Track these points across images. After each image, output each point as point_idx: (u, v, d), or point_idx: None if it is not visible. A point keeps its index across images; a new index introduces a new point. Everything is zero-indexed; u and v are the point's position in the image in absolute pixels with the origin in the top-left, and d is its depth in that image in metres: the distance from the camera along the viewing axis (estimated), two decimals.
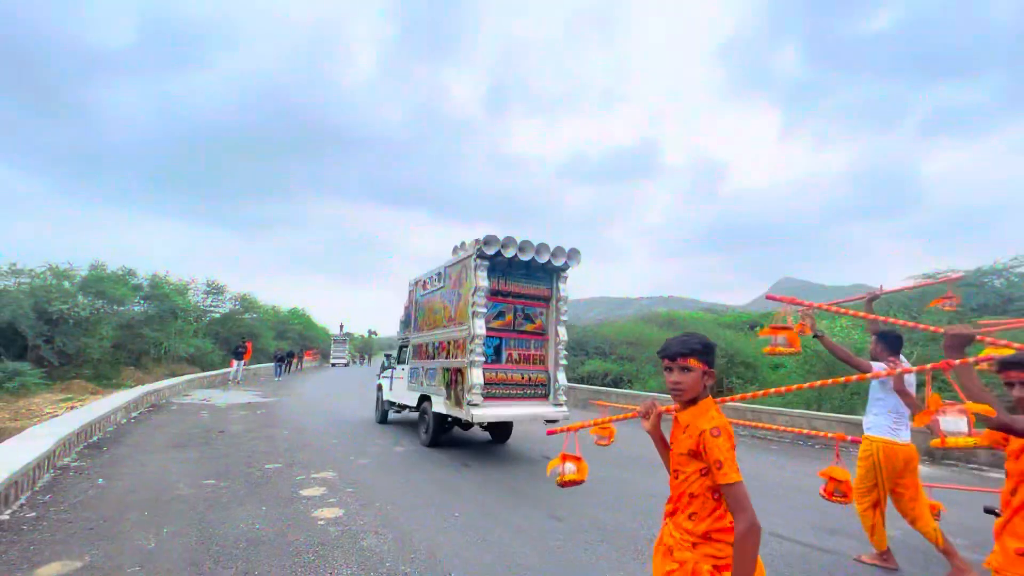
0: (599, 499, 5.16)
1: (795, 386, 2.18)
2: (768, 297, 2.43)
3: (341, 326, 47.34)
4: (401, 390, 9.62)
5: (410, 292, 9.87)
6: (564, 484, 2.14)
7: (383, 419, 10.41)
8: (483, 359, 6.83)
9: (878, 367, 3.40)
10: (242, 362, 20.17)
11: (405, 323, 10.02)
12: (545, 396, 7.33)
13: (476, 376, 6.67)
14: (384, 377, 10.72)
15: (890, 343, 3.61)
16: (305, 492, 5.15)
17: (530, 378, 7.30)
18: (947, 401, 1.72)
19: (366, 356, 55.64)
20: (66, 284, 18.08)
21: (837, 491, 2.59)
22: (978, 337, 1.76)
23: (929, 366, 1.89)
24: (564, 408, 7.26)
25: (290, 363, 27.52)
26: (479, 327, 6.81)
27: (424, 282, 9.01)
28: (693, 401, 1.69)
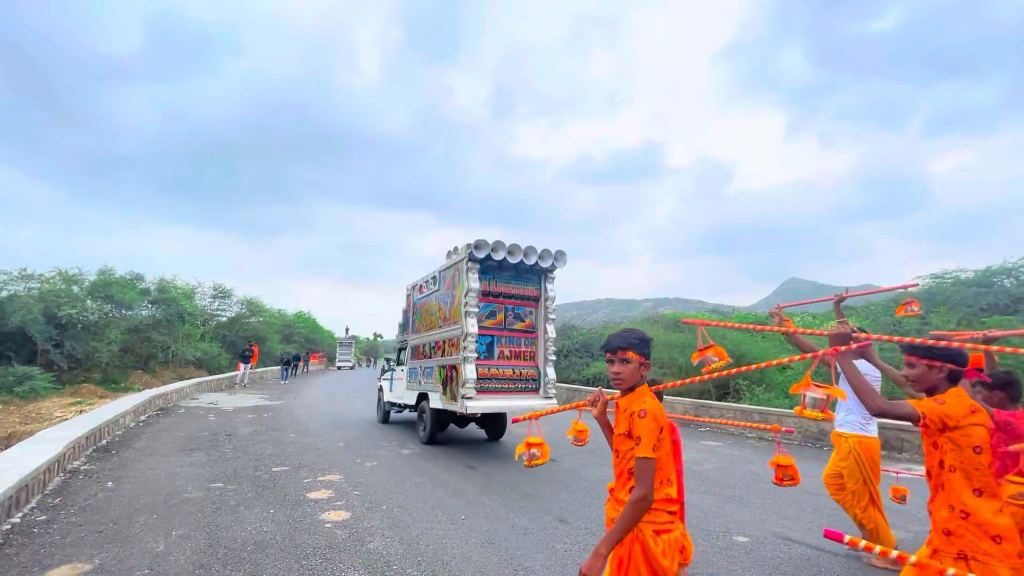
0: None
1: (721, 372, 2.44)
2: (684, 322, 2.60)
3: (347, 329, 47.73)
4: (400, 390, 9.90)
5: (408, 297, 10.17)
6: (530, 466, 2.37)
7: (384, 419, 10.70)
8: (476, 355, 7.10)
9: None
10: (249, 365, 20.28)
11: (404, 327, 10.30)
12: (536, 390, 7.59)
13: (469, 371, 6.96)
14: (385, 379, 11.02)
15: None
16: (312, 495, 5.17)
17: (521, 373, 7.56)
18: (816, 382, 2.06)
19: (372, 359, 56.06)
20: (75, 289, 18.25)
21: (785, 475, 2.88)
22: (856, 335, 2.14)
23: (820, 352, 2.27)
24: (554, 400, 7.48)
25: (296, 366, 27.64)
26: (471, 325, 7.08)
27: (420, 286, 9.26)
28: (631, 389, 1.91)
